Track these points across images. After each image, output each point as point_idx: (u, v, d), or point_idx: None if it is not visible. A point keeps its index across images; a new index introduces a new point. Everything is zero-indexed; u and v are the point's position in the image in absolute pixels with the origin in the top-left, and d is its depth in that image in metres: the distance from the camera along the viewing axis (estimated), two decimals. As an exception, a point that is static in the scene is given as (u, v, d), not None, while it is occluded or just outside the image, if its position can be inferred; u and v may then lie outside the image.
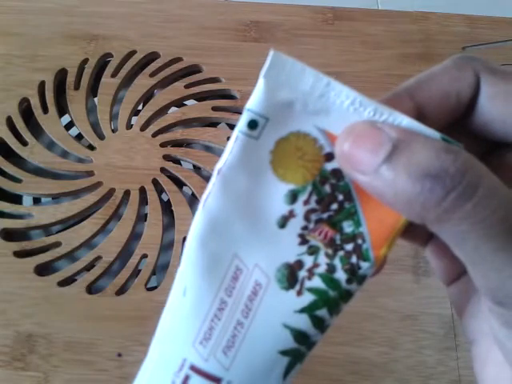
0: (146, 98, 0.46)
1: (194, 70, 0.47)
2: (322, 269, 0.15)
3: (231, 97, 0.46)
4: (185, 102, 0.47)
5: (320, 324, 0.15)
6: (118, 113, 0.45)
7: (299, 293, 0.15)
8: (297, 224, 0.15)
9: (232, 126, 0.46)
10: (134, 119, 0.45)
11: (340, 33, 0.50)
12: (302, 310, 0.15)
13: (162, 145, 0.43)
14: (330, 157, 0.15)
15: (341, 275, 0.15)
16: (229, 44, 0.48)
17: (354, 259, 0.15)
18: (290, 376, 0.16)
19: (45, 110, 0.45)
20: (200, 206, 0.16)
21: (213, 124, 0.46)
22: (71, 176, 0.42)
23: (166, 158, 0.42)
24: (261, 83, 0.15)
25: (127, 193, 0.41)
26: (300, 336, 0.15)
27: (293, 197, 0.15)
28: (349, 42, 0.49)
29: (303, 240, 0.15)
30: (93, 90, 0.46)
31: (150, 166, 0.42)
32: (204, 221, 0.15)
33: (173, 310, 0.16)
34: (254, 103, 0.15)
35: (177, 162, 0.43)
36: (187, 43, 0.48)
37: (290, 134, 0.15)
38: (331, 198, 0.15)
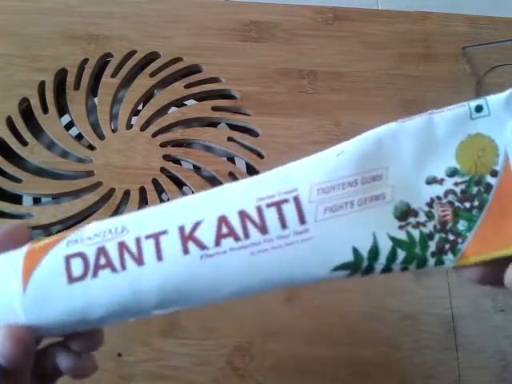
0: (146, 97, 0.46)
1: (194, 69, 0.47)
2: (426, 230, 0.19)
3: (231, 97, 0.46)
4: (185, 102, 0.47)
5: (392, 259, 0.18)
6: (118, 113, 0.45)
7: (401, 227, 0.19)
8: (436, 190, 0.19)
9: (232, 126, 0.46)
10: (134, 119, 0.45)
11: (340, 33, 0.50)
12: (392, 238, 0.18)
13: (162, 145, 0.43)
14: (494, 173, 0.19)
15: (432, 245, 0.19)
16: (229, 44, 0.48)
17: (447, 246, 0.18)
18: (337, 273, 0.19)
19: (45, 110, 0.45)
20: (396, 121, 0.19)
21: (213, 124, 0.46)
22: (71, 176, 0.42)
23: (166, 158, 0.43)
24: (508, 92, 0.19)
25: (127, 193, 0.41)
26: (374, 251, 0.18)
27: (452, 173, 0.19)
28: (349, 42, 0.49)
29: (430, 204, 0.19)
30: (93, 90, 0.46)
31: (150, 166, 0.42)
32: (391, 130, 0.19)
33: (318, 157, 0.20)
34: (493, 99, 0.19)
35: (177, 161, 0.43)
36: (187, 43, 0.48)
37: (488, 137, 0.19)
38: (471, 198, 0.19)
